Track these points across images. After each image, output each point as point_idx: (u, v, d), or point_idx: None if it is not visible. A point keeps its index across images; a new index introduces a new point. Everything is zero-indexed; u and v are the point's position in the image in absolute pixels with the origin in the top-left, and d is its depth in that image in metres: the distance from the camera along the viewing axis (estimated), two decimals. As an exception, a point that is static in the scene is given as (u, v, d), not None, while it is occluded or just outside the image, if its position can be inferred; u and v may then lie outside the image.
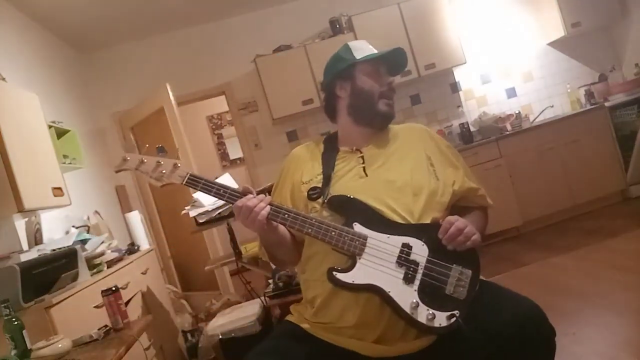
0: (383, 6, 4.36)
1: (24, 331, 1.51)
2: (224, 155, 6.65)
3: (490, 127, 4.31)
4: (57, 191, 2.41)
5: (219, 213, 2.34)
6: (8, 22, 3.05)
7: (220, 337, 2.47)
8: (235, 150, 6.26)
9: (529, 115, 4.54)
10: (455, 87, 4.73)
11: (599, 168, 4.13)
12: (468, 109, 4.74)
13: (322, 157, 1.37)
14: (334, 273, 1.15)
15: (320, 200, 1.26)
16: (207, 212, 2.33)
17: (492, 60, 4.75)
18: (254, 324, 2.44)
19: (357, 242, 1.16)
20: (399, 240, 1.17)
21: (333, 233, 1.17)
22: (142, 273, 2.79)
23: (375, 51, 1.41)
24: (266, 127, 4.57)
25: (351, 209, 1.22)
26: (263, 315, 2.55)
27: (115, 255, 2.61)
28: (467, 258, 1.16)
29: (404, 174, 1.28)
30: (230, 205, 1.22)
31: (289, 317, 1.31)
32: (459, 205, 1.39)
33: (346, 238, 1.16)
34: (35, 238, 2.39)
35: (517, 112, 4.45)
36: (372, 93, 1.37)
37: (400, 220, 1.21)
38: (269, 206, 1.19)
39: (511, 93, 4.78)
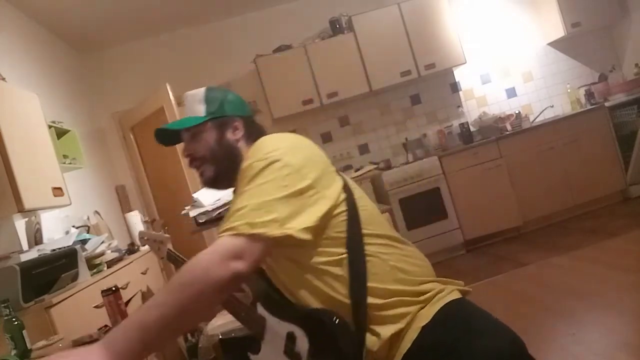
0: (383, 6, 4.36)
1: (24, 331, 1.51)
2: (224, 155, 6.65)
3: (490, 127, 4.31)
4: (57, 191, 2.41)
5: (219, 213, 2.34)
6: (8, 22, 3.04)
7: (220, 337, 2.47)
8: (235, 150, 6.26)
9: (529, 115, 4.54)
10: (455, 87, 4.73)
11: (599, 168, 4.13)
12: (468, 109, 4.74)
13: None
14: (249, 354, 1.11)
15: None
16: (207, 212, 2.32)
17: (492, 60, 4.75)
18: (254, 324, 2.43)
19: (258, 326, 1.08)
20: (286, 328, 1.04)
21: (243, 314, 1.11)
22: (142, 273, 2.79)
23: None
24: (266, 127, 4.56)
25: (253, 284, 1.14)
26: (263, 315, 2.55)
27: (115, 255, 2.61)
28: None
29: None
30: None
31: None
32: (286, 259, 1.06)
33: (251, 320, 1.10)
34: (35, 238, 2.39)
35: (517, 112, 4.45)
36: None
37: (290, 297, 1.05)
38: None
39: (511, 93, 4.78)
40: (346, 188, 1.05)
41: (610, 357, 1.87)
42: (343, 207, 1.00)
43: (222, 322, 2.60)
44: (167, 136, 1.22)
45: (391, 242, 1.04)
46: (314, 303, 0.99)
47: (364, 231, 1.00)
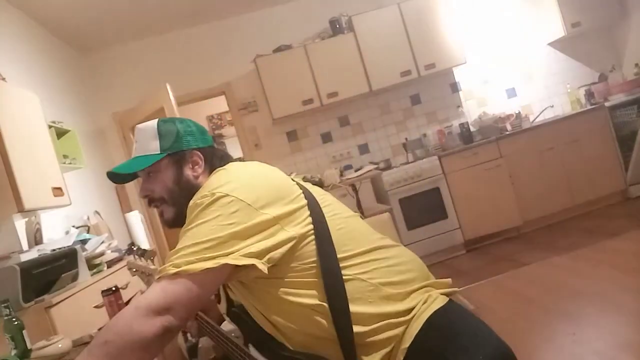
0: (383, 6, 4.36)
1: (24, 331, 1.51)
2: (224, 155, 6.63)
3: (490, 127, 4.31)
4: (57, 191, 2.41)
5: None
6: (8, 22, 3.04)
7: (220, 337, 2.47)
8: (235, 150, 6.26)
9: (529, 115, 4.54)
10: (455, 87, 4.73)
11: (599, 168, 4.13)
12: (468, 109, 4.74)
13: None
14: None
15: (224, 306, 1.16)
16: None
17: (492, 60, 4.75)
18: (254, 324, 2.43)
19: None
20: None
21: (237, 355, 1.02)
22: (142, 273, 2.79)
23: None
24: (266, 127, 4.57)
25: (243, 324, 1.05)
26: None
27: (115, 255, 2.61)
28: None
29: None
30: None
31: None
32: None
33: None
34: (35, 238, 2.39)
35: (517, 112, 4.45)
36: None
37: (281, 339, 0.97)
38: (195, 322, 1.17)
39: (511, 93, 4.78)
40: (314, 211, 0.96)
41: (610, 357, 1.87)
42: (310, 237, 0.93)
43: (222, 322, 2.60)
44: (121, 174, 1.12)
45: (374, 256, 0.97)
46: (300, 340, 0.94)
47: (341, 255, 0.94)
